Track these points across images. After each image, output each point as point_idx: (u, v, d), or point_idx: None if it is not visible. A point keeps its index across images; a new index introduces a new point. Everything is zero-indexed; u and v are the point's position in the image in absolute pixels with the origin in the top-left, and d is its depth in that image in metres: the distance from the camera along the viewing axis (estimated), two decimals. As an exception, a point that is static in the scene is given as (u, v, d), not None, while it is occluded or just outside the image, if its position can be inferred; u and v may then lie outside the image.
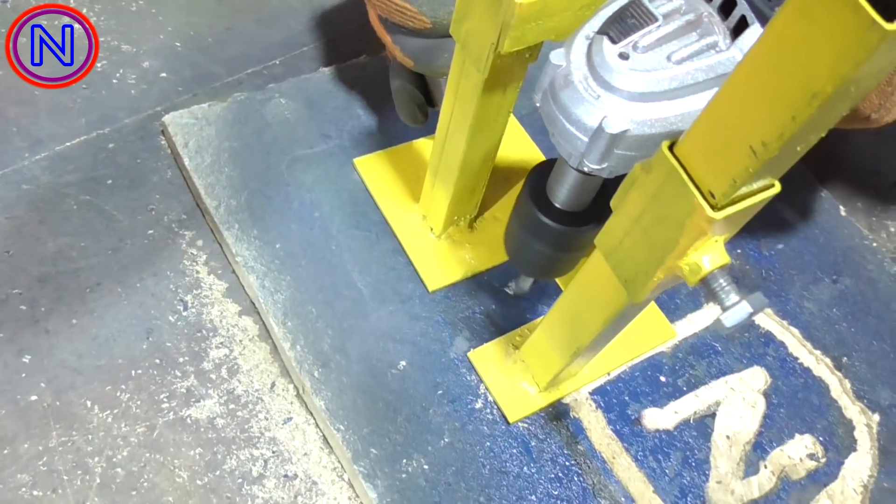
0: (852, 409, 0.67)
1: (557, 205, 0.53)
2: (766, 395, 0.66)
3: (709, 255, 0.37)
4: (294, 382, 0.62)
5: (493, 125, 0.56)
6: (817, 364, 0.69)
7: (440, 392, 0.62)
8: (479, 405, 0.61)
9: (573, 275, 0.54)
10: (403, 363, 0.63)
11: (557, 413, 0.62)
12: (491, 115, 0.54)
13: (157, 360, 0.60)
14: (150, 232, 0.66)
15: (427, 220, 0.69)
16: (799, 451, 0.64)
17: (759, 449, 0.63)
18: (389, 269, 0.67)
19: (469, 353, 0.63)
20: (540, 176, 0.53)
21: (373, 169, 0.72)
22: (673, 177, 0.35)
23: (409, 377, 0.62)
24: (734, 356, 0.68)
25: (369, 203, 0.71)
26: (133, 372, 0.59)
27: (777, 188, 0.35)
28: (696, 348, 0.67)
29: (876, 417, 0.67)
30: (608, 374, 0.64)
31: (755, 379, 0.67)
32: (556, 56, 0.42)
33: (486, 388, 0.62)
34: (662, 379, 0.65)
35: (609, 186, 0.49)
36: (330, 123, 0.75)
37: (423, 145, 0.75)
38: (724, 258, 0.37)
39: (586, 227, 0.53)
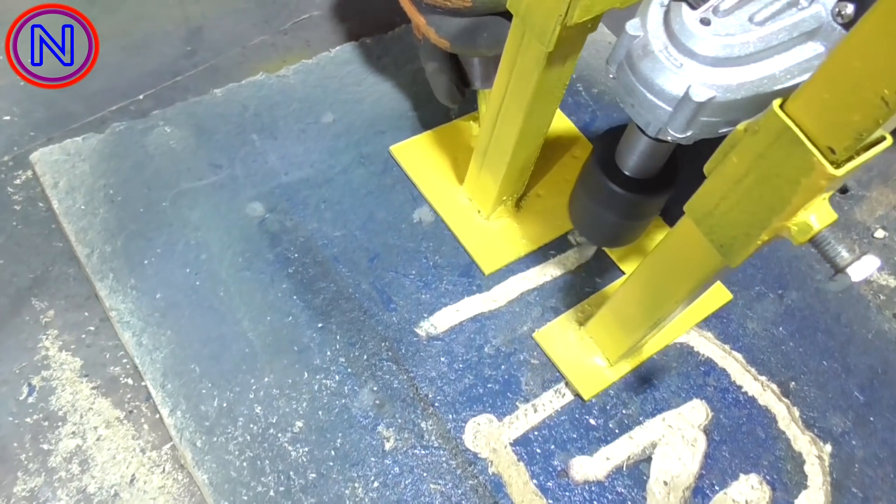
0: (802, 440, 0.61)
1: (627, 172, 0.53)
2: (706, 431, 0.60)
3: (816, 213, 0.36)
4: (178, 454, 0.55)
5: (550, 99, 0.54)
6: (763, 391, 0.63)
7: (341, 455, 0.55)
8: (387, 462, 0.55)
9: (631, 248, 0.58)
10: (299, 424, 0.56)
11: (475, 471, 0.56)
12: (550, 88, 0.53)
13: (-6, 461, 0.52)
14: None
15: (474, 203, 0.67)
16: (744, 493, 0.58)
17: (699, 494, 0.57)
18: (285, 315, 0.60)
19: (534, 334, 0.62)
20: (607, 145, 0.53)
21: (410, 154, 0.70)
22: (786, 136, 0.34)
23: (306, 440, 0.55)
24: (671, 390, 0.62)
25: (263, 240, 0.64)
26: (-36, 478, 0.51)
27: (889, 141, 0.34)
28: (628, 384, 0.61)
29: (828, 448, 0.61)
30: (673, 341, 0.64)
31: (695, 413, 0.61)
32: (632, 26, 0.41)
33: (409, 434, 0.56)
34: (592, 422, 0.59)
35: (678, 153, 0.51)
36: (221, 151, 0.68)
37: (456, 127, 0.73)
38: (832, 215, 0.36)
39: (658, 194, 0.53)
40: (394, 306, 0.62)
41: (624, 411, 0.60)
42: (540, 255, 0.66)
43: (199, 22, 0.76)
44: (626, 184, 0.53)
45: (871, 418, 0.63)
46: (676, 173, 0.53)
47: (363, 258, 0.64)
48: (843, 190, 0.78)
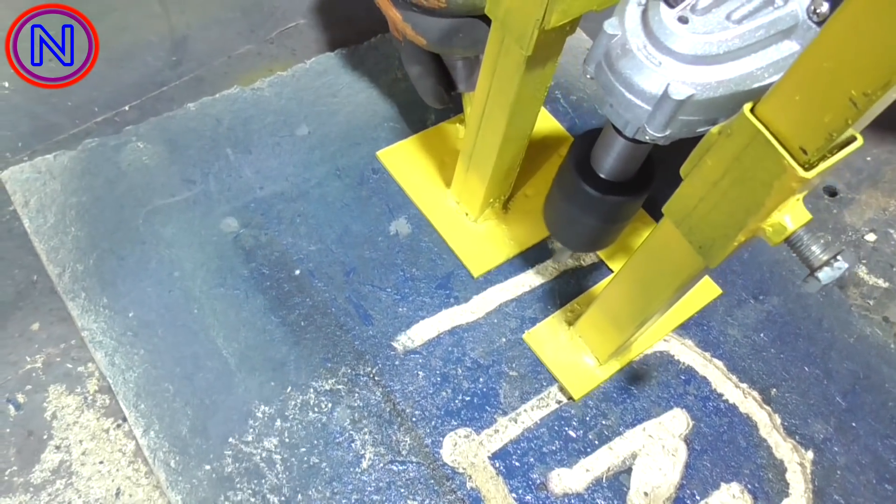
0: (783, 448, 0.61)
1: (603, 175, 0.52)
2: (687, 440, 0.60)
3: (790, 213, 0.36)
4: (153, 475, 0.54)
5: (532, 102, 0.55)
6: (744, 399, 0.63)
7: (317, 473, 0.54)
8: (364, 479, 0.54)
9: (619, 246, 0.59)
10: (275, 442, 0.55)
11: (453, 485, 0.55)
12: (531, 91, 0.53)
13: (-21, 476, 0.51)
14: (-27, 319, 0.58)
15: (461, 205, 0.67)
16: (725, 503, 0.58)
17: (680, 505, 0.57)
18: (260, 331, 0.60)
19: (523, 335, 0.62)
20: (583, 147, 0.53)
21: (396, 159, 0.70)
22: (757, 139, 0.34)
23: (282, 458, 0.54)
24: (651, 399, 0.61)
25: (238, 256, 0.63)
26: (-53, 495, 0.51)
27: (860, 142, 0.34)
28: (608, 394, 0.61)
29: (809, 455, 0.61)
30: (664, 338, 0.64)
31: (676, 423, 0.61)
32: (610, 26, 0.41)
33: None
34: (571, 433, 0.59)
35: (652, 155, 0.51)
36: (194, 167, 0.67)
37: (442, 131, 0.73)
38: (806, 215, 0.37)
39: (635, 196, 0.53)
40: (370, 320, 0.61)
41: (604, 422, 0.59)
42: (518, 265, 0.66)
43: (183, 32, 0.76)
44: (602, 187, 0.52)
45: (854, 424, 0.63)
46: (653, 176, 0.53)
47: (339, 272, 0.63)
48: (833, 192, 0.78)
